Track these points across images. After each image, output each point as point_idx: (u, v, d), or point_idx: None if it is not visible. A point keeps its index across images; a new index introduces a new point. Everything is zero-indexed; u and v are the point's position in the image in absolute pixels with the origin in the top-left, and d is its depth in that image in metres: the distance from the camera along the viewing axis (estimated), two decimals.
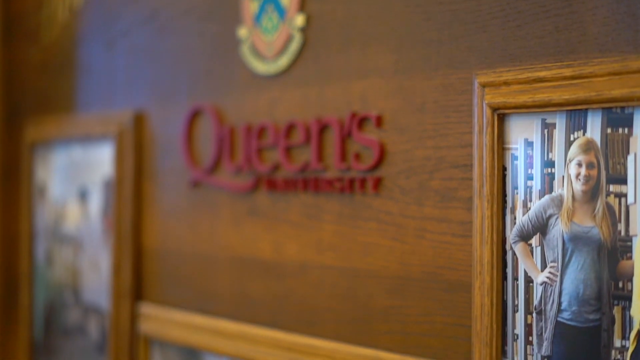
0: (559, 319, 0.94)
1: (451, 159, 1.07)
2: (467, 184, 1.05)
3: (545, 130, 0.96)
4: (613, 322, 0.90)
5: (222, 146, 1.40)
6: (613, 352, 0.90)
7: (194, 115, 1.46)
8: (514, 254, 0.99)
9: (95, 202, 1.70)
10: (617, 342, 0.89)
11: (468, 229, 1.04)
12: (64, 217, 1.80)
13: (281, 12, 1.29)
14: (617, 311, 0.90)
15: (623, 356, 0.89)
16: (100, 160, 1.67)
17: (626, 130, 0.89)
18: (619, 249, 0.89)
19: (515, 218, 0.99)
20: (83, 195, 1.74)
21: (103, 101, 1.71)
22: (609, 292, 0.90)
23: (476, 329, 1.01)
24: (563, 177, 0.94)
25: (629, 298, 0.88)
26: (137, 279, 1.58)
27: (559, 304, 0.94)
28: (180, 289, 1.50)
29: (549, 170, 0.95)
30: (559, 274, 0.94)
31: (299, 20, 1.26)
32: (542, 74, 0.94)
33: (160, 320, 1.50)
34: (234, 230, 1.39)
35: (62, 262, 1.80)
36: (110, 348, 1.61)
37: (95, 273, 1.69)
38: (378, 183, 1.15)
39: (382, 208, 1.15)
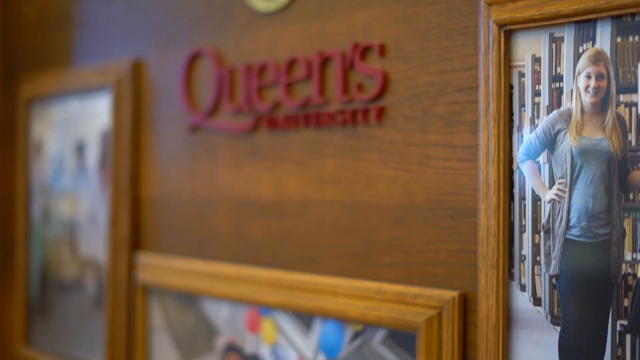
0: (567, 236, 0.92)
1: (456, 82, 1.05)
2: (473, 106, 1.03)
3: (553, 45, 0.93)
4: (623, 235, 0.88)
5: (221, 88, 1.37)
6: (624, 265, 0.88)
7: (193, 59, 1.44)
8: (521, 173, 0.97)
9: (92, 155, 1.67)
10: (628, 256, 0.87)
11: (474, 153, 1.02)
12: (60, 172, 1.77)
13: None
14: (627, 223, 0.87)
15: (634, 269, 0.87)
16: (98, 112, 1.65)
17: (637, 38, 0.87)
18: (630, 159, 0.87)
19: (522, 137, 0.96)
20: (80, 149, 1.71)
21: (101, 53, 1.68)
22: (619, 204, 0.88)
23: (482, 253, 0.99)
24: (571, 90, 0.92)
25: (639, 209, 0.86)
26: (134, 229, 1.56)
27: (568, 220, 0.92)
28: (178, 236, 1.48)
29: (557, 85, 0.93)
30: (567, 190, 0.92)
31: None
32: None
33: (158, 268, 1.48)
34: (233, 172, 1.36)
35: (59, 217, 1.78)
36: (107, 300, 1.59)
37: (93, 226, 1.66)
38: (381, 113, 1.13)
39: (385, 138, 1.13)
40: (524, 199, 0.96)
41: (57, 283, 1.77)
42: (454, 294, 1.03)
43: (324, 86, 1.21)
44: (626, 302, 0.88)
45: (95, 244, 1.65)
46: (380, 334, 1.11)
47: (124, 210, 1.56)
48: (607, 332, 0.89)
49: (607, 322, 0.89)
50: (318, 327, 1.20)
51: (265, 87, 1.30)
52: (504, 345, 0.97)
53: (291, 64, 1.25)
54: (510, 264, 0.98)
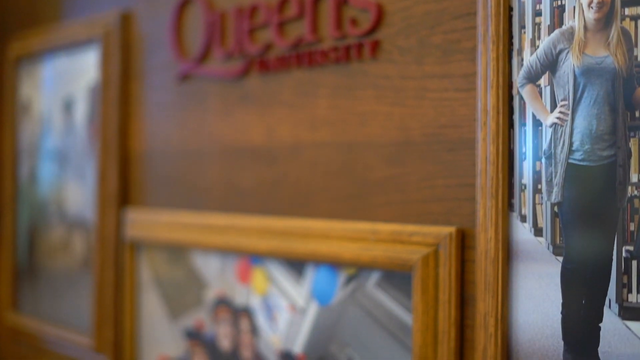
0: (570, 160, 0.88)
1: (453, 9, 1.00)
2: (471, 33, 0.98)
3: None
4: (629, 155, 0.83)
5: (211, 33, 1.33)
6: (630, 188, 0.83)
7: (183, 6, 1.39)
8: (521, 98, 0.92)
9: (81, 112, 1.63)
10: (634, 177, 0.83)
11: (472, 82, 0.98)
12: (48, 131, 1.73)
13: None
14: (633, 143, 0.83)
15: None
16: (86, 67, 1.60)
17: None
18: (635, 75, 0.83)
19: (522, 60, 0.92)
20: (68, 107, 1.67)
21: (89, 6, 1.63)
22: (624, 124, 0.84)
23: (481, 184, 0.95)
24: (574, 7, 0.87)
25: None
26: (123, 185, 1.52)
27: (570, 144, 0.88)
28: (168, 190, 1.43)
29: (559, 2, 0.89)
30: (569, 112, 0.88)
31: None
32: None
33: (146, 223, 1.43)
34: (223, 120, 1.32)
35: (47, 178, 1.73)
36: (95, 258, 1.54)
37: (81, 185, 1.62)
38: (376, 47, 1.09)
39: (379, 73, 1.08)
40: (524, 125, 0.92)
41: (45, 246, 1.73)
42: (451, 229, 0.98)
43: (317, 24, 1.16)
44: (632, 227, 0.83)
45: (84, 204, 1.60)
46: (374, 277, 1.07)
47: (112, 166, 1.51)
48: (611, 260, 0.84)
49: (612, 249, 0.84)
50: (310, 273, 1.15)
51: (256, 29, 1.26)
52: (504, 280, 0.93)
53: (283, 2, 1.21)
54: (510, 195, 0.93)
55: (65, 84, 1.67)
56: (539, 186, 0.91)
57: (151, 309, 1.43)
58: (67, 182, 1.66)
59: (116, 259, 1.51)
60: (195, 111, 1.37)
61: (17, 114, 1.83)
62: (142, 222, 1.44)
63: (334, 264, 1.11)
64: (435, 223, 1.01)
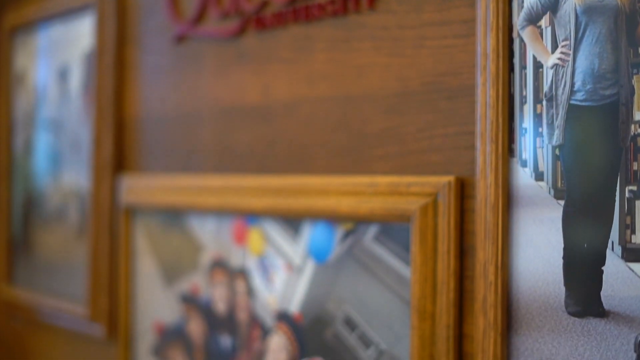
0: (571, 101, 0.86)
1: None
2: None
3: None
4: (632, 93, 0.81)
5: None
6: (633, 126, 0.81)
7: None
8: (521, 41, 0.90)
9: (76, 80, 1.61)
10: (637, 115, 0.81)
11: (471, 27, 0.96)
12: (43, 101, 1.71)
13: None
14: (636, 80, 0.81)
15: None
16: (81, 34, 1.58)
17: None
18: (638, 11, 0.81)
19: (522, 2, 0.90)
20: (63, 75, 1.65)
21: None
22: (627, 61, 0.81)
23: (480, 130, 0.93)
24: None
25: None
26: (118, 151, 1.50)
27: (572, 85, 0.86)
28: (163, 154, 1.41)
29: None
30: (571, 52, 0.86)
31: None
32: None
33: (142, 188, 1.41)
34: (219, 81, 1.30)
35: (42, 149, 1.71)
36: (90, 226, 1.52)
37: (76, 153, 1.60)
38: None
39: (377, 24, 1.06)
40: (525, 68, 0.90)
41: (40, 217, 1.71)
42: (450, 178, 0.96)
43: None
44: (635, 166, 0.81)
45: (79, 172, 1.58)
46: (372, 231, 1.05)
47: (107, 132, 1.49)
48: (614, 200, 0.82)
49: (615, 190, 0.82)
50: (307, 231, 1.13)
51: None
52: (504, 227, 0.91)
53: None
54: (510, 140, 0.91)
55: (60, 52, 1.65)
56: (540, 129, 0.89)
57: (146, 275, 1.41)
58: (62, 152, 1.64)
59: (111, 227, 1.49)
60: (190, 73, 1.36)
61: (12, 86, 1.81)
62: (137, 188, 1.42)
63: (331, 219, 1.09)
64: (434, 173, 0.99)
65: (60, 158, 1.65)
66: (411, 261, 0.98)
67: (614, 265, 0.82)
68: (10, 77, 1.81)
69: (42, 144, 1.71)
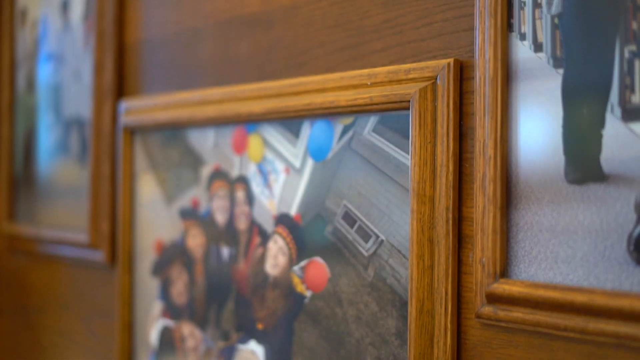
0: None
1: None
2: None
3: None
4: None
5: None
6: None
7: None
8: None
9: (77, 9, 1.60)
10: None
11: None
12: (45, 36, 1.71)
13: None
14: None
15: None
16: None
17: None
18: None
19: None
20: (65, 5, 1.64)
21: None
22: None
23: (479, 7, 0.92)
24: None
25: None
26: (119, 76, 1.49)
27: None
28: (164, 75, 1.41)
29: None
30: None
31: None
32: None
33: (142, 110, 1.41)
34: None
35: (43, 83, 1.71)
36: (91, 152, 1.52)
37: (77, 83, 1.60)
38: None
39: None
40: None
41: (41, 152, 1.71)
42: (449, 60, 0.95)
43: None
44: (634, 25, 0.80)
45: (80, 102, 1.58)
46: (371, 123, 1.04)
47: (109, 58, 1.49)
48: (614, 61, 0.81)
49: (614, 51, 0.81)
50: (306, 131, 1.12)
51: None
52: (503, 100, 0.90)
53: None
54: (510, 16, 0.90)
55: None
56: (539, 0, 0.88)
57: (147, 196, 1.41)
58: (63, 84, 1.64)
59: (112, 152, 1.49)
60: None
61: (15, 23, 1.81)
62: (137, 110, 1.42)
63: (330, 116, 1.09)
64: (434, 58, 0.99)
65: (61, 92, 1.65)
66: (410, 145, 0.97)
67: (613, 128, 0.81)
68: (13, 14, 1.81)
69: (44, 77, 1.71)
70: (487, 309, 0.91)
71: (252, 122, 1.20)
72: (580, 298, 0.82)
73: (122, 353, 1.43)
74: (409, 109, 0.98)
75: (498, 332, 0.92)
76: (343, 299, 1.06)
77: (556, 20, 0.86)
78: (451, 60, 0.95)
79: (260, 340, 1.19)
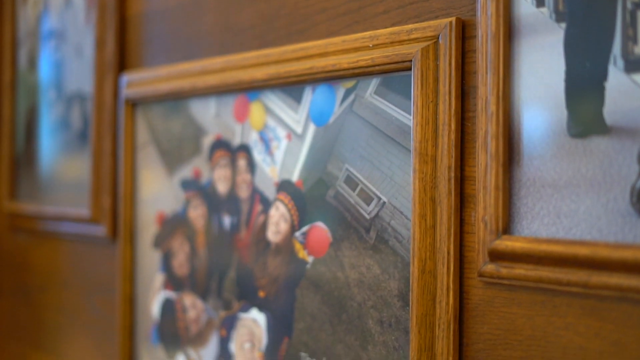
0: None
1: None
2: None
3: None
4: None
5: None
6: None
7: None
8: None
9: None
10: None
11: None
12: (46, 13, 1.71)
13: None
14: None
15: None
16: None
17: None
18: None
19: None
20: None
21: None
22: None
23: None
24: None
25: None
26: (120, 50, 1.49)
27: None
28: (165, 48, 1.41)
29: None
30: None
31: None
32: None
33: (144, 82, 1.40)
34: None
35: (45, 60, 1.71)
36: (93, 127, 1.52)
37: (79, 60, 1.59)
38: None
39: None
40: None
41: (43, 129, 1.71)
42: (450, 19, 0.95)
43: None
44: None
45: (82, 78, 1.58)
46: (373, 85, 1.04)
47: (110, 32, 1.49)
48: (616, 13, 0.81)
49: (616, 2, 0.81)
50: (308, 96, 1.12)
51: None
52: (505, 57, 0.89)
53: None
54: None
55: None
56: None
57: (148, 168, 1.41)
58: (65, 61, 1.64)
59: (114, 126, 1.49)
60: None
61: (16, 1, 1.80)
62: (139, 81, 1.42)
63: (331, 79, 1.08)
64: (437, 18, 0.98)
65: (63, 68, 1.65)
66: (412, 104, 0.97)
67: (616, 80, 0.81)
68: None
69: (45, 55, 1.70)
70: (490, 267, 0.91)
71: (254, 89, 1.20)
72: (583, 251, 0.82)
73: (123, 327, 1.43)
74: (411, 69, 0.98)
75: (500, 291, 0.91)
76: (345, 263, 1.06)
77: None
78: (453, 18, 0.95)
79: (262, 308, 1.18)
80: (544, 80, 0.87)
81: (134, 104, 1.43)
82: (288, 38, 1.18)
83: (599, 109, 0.82)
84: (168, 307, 1.36)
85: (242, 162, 1.22)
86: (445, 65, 0.95)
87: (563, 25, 0.85)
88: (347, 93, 1.07)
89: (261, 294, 1.18)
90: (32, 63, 1.75)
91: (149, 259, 1.40)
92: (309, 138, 1.12)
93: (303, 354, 1.11)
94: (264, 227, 1.18)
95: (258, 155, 1.20)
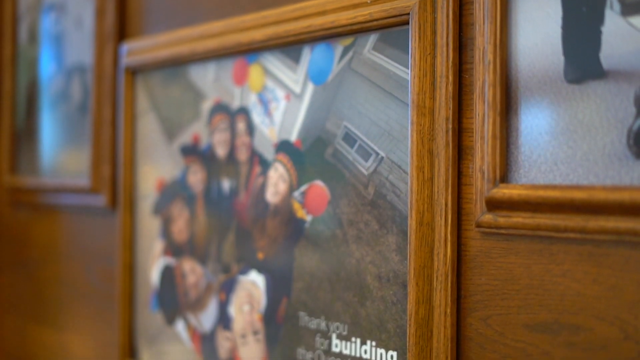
0: None
1: None
2: None
3: None
4: None
5: None
6: None
7: None
8: None
9: None
10: None
11: None
12: None
13: None
14: None
15: None
16: None
17: None
18: None
19: None
20: None
21: None
22: None
23: None
24: None
25: None
26: (120, 19, 1.49)
27: None
28: (164, 17, 1.41)
29: None
30: None
31: None
32: None
33: (143, 50, 1.41)
34: None
35: (45, 34, 1.71)
36: (93, 97, 1.52)
37: (79, 32, 1.60)
38: None
39: None
40: None
41: (43, 103, 1.71)
42: None
43: None
44: None
45: (82, 49, 1.58)
46: (371, 41, 1.04)
47: (110, 1, 1.49)
48: None
49: None
50: (306, 56, 1.12)
51: None
52: (502, 5, 0.89)
53: None
54: None
55: None
56: None
57: (148, 136, 1.41)
58: (65, 34, 1.64)
59: (113, 96, 1.49)
60: None
61: None
62: (139, 49, 1.42)
63: (330, 37, 1.08)
64: None
65: (63, 41, 1.65)
66: (410, 57, 0.97)
67: (613, 24, 0.81)
68: None
69: (46, 29, 1.71)
70: (487, 217, 0.91)
71: (253, 51, 1.20)
72: (580, 195, 0.82)
73: (123, 295, 1.43)
74: (408, 23, 0.98)
75: (498, 241, 0.91)
76: (343, 220, 1.06)
77: None
78: None
79: (260, 269, 1.18)
80: (540, 27, 0.87)
81: (133, 72, 1.43)
82: (287, 0, 1.18)
83: (596, 53, 0.82)
84: (167, 273, 1.36)
85: (241, 125, 1.23)
86: (442, 17, 0.95)
87: None
88: (345, 51, 1.07)
89: (260, 255, 1.18)
90: (33, 37, 1.75)
91: (149, 227, 1.40)
92: (307, 97, 1.12)
93: (302, 313, 1.11)
94: (262, 188, 1.18)
95: (257, 117, 1.20)
